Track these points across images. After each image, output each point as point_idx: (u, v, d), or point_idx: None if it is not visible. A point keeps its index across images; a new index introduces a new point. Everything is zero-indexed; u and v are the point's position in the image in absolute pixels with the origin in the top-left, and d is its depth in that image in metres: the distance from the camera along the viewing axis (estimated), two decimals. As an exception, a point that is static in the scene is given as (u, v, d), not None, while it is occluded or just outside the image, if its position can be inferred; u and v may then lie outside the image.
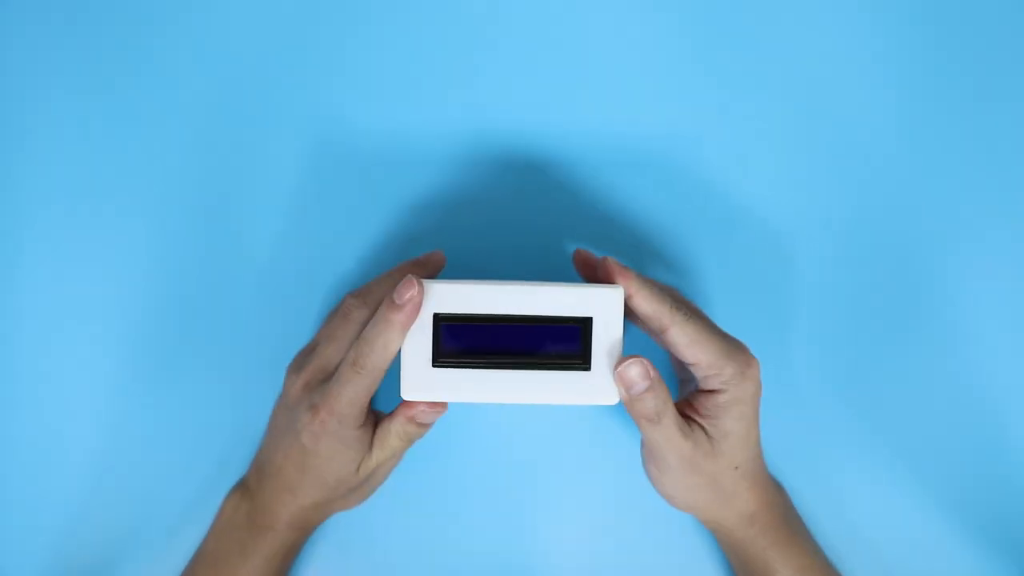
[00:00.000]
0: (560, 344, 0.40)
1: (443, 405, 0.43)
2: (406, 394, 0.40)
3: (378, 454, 0.44)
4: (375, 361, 0.40)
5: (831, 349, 0.51)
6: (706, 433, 0.42)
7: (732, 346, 0.42)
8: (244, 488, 0.47)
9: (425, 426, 0.44)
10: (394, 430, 0.43)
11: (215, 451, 0.50)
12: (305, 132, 0.51)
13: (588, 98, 0.51)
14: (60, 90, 0.51)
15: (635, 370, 0.40)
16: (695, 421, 0.43)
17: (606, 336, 0.40)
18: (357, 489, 0.46)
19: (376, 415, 0.45)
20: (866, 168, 0.51)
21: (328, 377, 0.43)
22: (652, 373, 0.40)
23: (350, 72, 0.51)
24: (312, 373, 0.44)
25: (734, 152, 0.51)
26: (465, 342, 0.40)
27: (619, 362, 0.40)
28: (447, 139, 0.51)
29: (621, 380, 0.40)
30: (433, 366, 0.40)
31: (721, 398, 0.42)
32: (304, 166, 0.51)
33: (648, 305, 0.40)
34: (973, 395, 0.51)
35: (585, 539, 0.50)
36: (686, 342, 0.40)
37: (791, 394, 0.51)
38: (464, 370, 0.40)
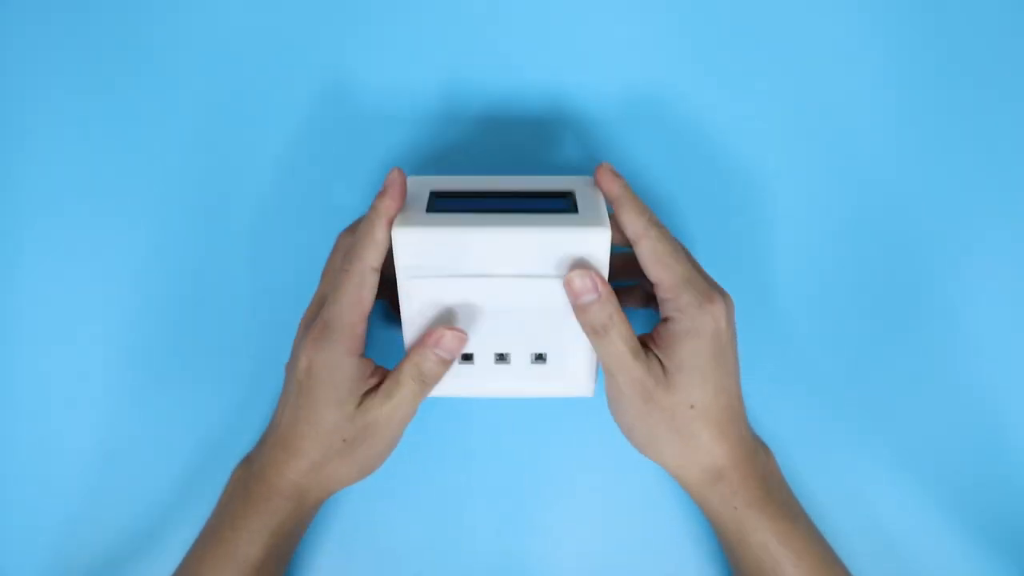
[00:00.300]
0: (548, 202, 0.42)
1: (463, 334, 0.42)
2: (398, 231, 0.39)
3: (385, 402, 0.42)
4: (364, 254, 0.40)
5: (831, 349, 0.51)
6: (661, 364, 0.42)
7: (699, 278, 0.42)
8: (246, 459, 0.46)
9: (443, 364, 0.43)
10: (407, 369, 0.42)
11: (216, 451, 0.50)
12: (306, 132, 0.51)
13: (587, 100, 0.51)
14: (60, 90, 0.51)
15: (581, 282, 0.40)
16: (652, 352, 0.43)
17: (589, 200, 0.42)
18: (355, 446, 0.43)
19: (383, 371, 0.44)
20: (866, 168, 0.51)
21: None
22: (600, 287, 0.40)
23: (349, 74, 0.51)
24: (312, 310, 0.44)
25: (732, 154, 0.51)
26: (460, 204, 0.41)
27: (569, 270, 0.40)
28: (451, 132, 0.51)
29: (569, 288, 0.41)
30: (427, 212, 0.41)
31: (675, 326, 0.42)
32: (306, 166, 0.51)
33: (627, 212, 0.41)
34: (973, 395, 0.51)
35: (586, 539, 0.50)
36: (653, 258, 0.41)
37: (790, 393, 0.51)
38: (458, 214, 0.40)
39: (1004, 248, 0.51)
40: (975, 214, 0.51)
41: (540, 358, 0.44)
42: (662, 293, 0.42)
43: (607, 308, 0.41)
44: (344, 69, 0.51)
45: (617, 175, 0.43)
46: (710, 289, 0.42)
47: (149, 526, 0.50)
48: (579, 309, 0.41)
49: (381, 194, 0.41)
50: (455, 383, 0.44)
